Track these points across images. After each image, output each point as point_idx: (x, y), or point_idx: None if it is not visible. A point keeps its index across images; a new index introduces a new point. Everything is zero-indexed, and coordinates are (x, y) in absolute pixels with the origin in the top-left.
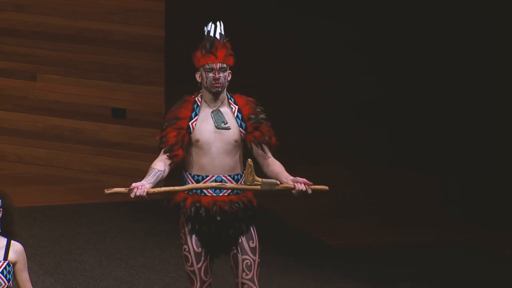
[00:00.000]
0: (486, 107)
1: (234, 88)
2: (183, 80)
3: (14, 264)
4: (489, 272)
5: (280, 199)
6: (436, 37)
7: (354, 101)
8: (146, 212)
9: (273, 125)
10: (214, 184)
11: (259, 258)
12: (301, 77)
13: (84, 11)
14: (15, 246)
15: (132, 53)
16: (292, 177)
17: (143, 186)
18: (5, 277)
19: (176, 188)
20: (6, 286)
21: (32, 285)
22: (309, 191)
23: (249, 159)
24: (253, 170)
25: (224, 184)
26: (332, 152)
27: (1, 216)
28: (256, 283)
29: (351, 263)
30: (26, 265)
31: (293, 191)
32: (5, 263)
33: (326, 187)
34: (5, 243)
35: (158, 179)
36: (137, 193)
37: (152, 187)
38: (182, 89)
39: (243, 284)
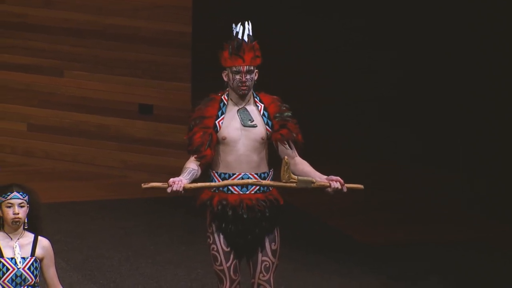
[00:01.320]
0: (488, 105)
1: (225, 87)
2: (210, 76)
3: (41, 260)
4: (493, 270)
5: (300, 195)
6: (438, 35)
7: (356, 100)
8: (172, 208)
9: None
10: (250, 180)
11: (278, 260)
12: (304, 75)
13: (111, 8)
14: (42, 242)
15: (159, 49)
16: (325, 176)
17: (180, 181)
18: (32, 273)
19: (213, 184)
20: (33, 282)
21: (59, 281)
22: (344, 190)
23: (286, 157)
24: (289, 168)
25: (260, 181)
26: (334, 150)
27: (28, 212)
28: (272, 284)
29: (376, 260)
30: (53, 261)
31: (328, 189)
32: (32, 259)
33: (361, 186)
34: (32, 239)
35: (193, 177)
36: (174, 188)
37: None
38: (208, 86)
39: (259, 285)
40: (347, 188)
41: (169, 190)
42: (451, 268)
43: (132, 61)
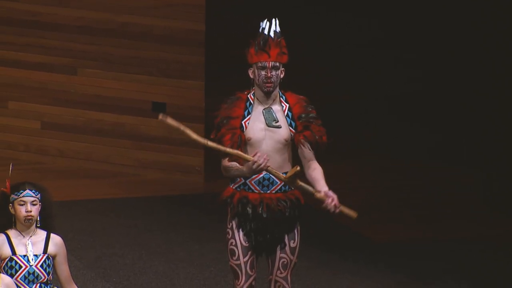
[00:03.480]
0: (491, 104)
1: (239, 85)
2: (223, 74)
3: (53, 257)
4: (498, 269)
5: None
6: (442, 34)
7: (360, 98)
8: (185, 206)
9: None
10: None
11: (296, 258)
12: (307, 74)
13: (125, 6)
14: (55, 239)
15: (172, 47)
16: (326, 189)
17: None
18: (45, 270)
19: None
20: (46, 279)
21: (72, 279)
22: (336, 211)
23: (299, 167)
24: (298, 177)
25: (272, 168)
26: (336, 149)
27: (40, 210)
28: (289, 282)
29: (387, 258)
30: (66, 258)
31: (323, 205)
32: (44, 256)
33: (354, 214)
34: (45, 236)
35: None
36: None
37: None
38: (222, 84)
39: (276, 281)
40: (340, 210)
41: (255, 166)
42: (462, 267)
43: (146, 59)
